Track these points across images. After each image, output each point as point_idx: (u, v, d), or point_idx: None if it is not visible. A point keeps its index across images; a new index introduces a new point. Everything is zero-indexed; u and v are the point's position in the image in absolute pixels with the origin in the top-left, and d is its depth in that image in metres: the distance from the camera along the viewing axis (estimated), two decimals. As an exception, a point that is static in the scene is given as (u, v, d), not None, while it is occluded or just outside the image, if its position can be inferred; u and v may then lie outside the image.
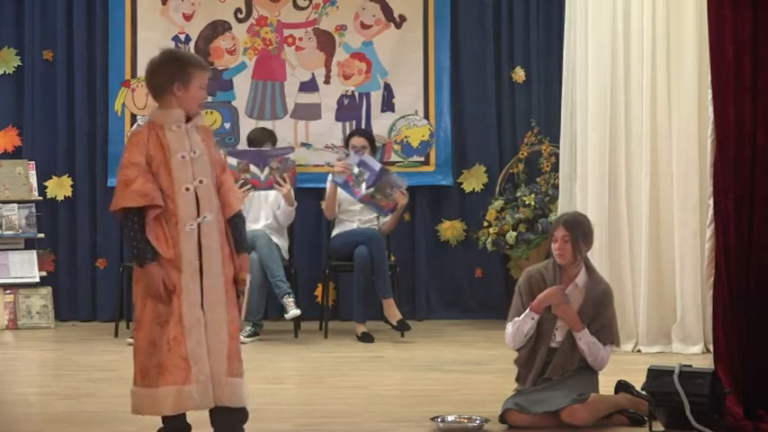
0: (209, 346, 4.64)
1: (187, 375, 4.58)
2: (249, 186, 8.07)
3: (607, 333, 5.45)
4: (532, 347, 5.44)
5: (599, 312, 5.44)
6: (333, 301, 8.90)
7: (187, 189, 4.67)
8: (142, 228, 4.65)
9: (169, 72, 4.72)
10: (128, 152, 4.70)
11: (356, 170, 8.14)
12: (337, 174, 8.20)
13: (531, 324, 5.41)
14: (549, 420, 5.25)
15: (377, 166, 8.19)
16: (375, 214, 8.40)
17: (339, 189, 8.25)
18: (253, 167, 8.07)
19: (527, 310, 5.41)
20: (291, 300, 7.92)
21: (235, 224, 4.81)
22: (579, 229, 5.45)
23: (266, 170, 7.96)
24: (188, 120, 4.74)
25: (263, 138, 8.52)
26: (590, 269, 5.51)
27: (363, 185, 8.11)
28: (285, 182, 8.12)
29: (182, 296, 4.62)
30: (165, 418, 4.74)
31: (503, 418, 5.31)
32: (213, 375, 4.64)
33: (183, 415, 4.74)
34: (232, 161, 7.90)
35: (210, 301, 4.66)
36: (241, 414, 4.75)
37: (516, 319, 5.45)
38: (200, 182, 4.70)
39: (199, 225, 4.67)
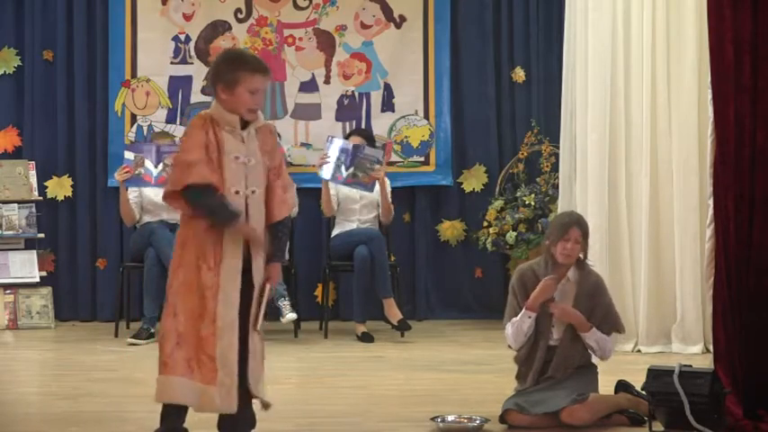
0: (253, 350, 4.60)
1: (213, 376, 4.51)
2: None
3: (611, 322, 5.45)
4: (532, 344, 5.43)
5: (596, 303, 5.43)
6: (333, 301, 8.90)
7: (237, 192, 4.57)
8: (216, 193, 4.50)
9: (217, 71, 4.63)
10: (188, 138, 4.57)
11: (334, 156, 8.16)
12: (319, 167, 8.21)
13: (529, 323, 5.39)
14: (549, 421, 5.25)
15: (349, 145, 8.21)
16: (375, 214, 8.40)
17: (330, 184, 8.25)
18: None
19: (523, 310, 5.40)
20: (287, 302, 7.88)
21: (275, 231, 4.70)
22: (587, 229, 5.48)
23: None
24: (244, 125, 4.63)
25: None
26: (579, 262, 5.49)
27: (343, 168, 8.13)
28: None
29: (218, 296, 4.53)
30: (162, 420, 4.70)
31: (503, 419, 5.30)
32: (251, 382, 4.59)
33: (183, 419, 4.69)
34: None
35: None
36: (252, 419, 4.75)
37: (514, 319, 5.44)
38: (252, 192, 4.61)
39: None
